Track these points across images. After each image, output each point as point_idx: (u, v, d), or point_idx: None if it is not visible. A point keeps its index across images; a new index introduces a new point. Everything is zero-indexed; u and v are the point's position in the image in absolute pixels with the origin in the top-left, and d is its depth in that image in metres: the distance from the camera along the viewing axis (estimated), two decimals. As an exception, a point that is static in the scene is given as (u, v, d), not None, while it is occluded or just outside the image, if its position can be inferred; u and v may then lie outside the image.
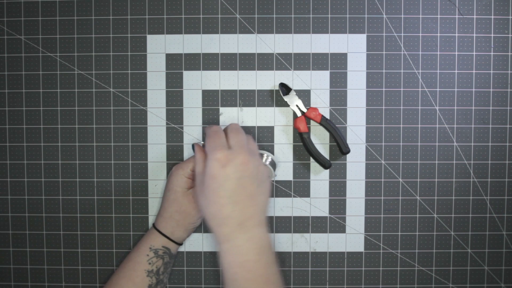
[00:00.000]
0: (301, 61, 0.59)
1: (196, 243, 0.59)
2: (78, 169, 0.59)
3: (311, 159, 0.59)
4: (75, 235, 0.59)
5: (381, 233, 0.59)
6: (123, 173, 0.59)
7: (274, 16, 0.59)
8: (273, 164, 0.56)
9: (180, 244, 0.54)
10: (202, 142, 0.56)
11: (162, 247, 0.52)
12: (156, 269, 0.51)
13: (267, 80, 0.59)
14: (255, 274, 0.45)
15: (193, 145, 0.53)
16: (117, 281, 0.51)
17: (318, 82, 0.59)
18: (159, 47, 0.59)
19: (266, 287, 0.45)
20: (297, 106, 0.57)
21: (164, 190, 0.55)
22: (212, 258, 0.59)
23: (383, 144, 0.59)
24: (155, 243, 0.52)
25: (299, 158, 0.59)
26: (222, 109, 0.59)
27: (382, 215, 0.59)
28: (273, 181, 0.59)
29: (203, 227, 0.59)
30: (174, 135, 0.59)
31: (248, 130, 0.59)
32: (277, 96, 0.59)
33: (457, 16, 0.58)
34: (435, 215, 0.59)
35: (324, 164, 0.57)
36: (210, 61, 0.59)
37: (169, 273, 0.55)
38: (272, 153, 0.59)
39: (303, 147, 0.58)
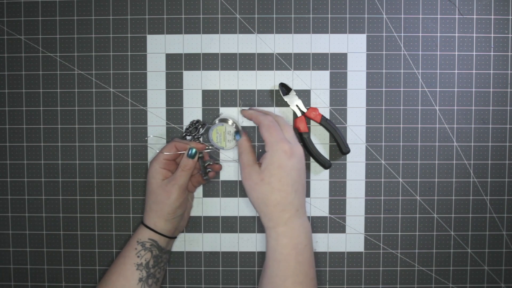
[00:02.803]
0: (301, 61, 0.59)
1: (196, 243, 0.59)
2: (78, 169, 0.59)
3: (311, 159, 0.59)
4: (75, 235, 0.59)
5: (381, 233, 0.59)
6: (123, 173, 0.59)
7: (274, 16, 0.59)
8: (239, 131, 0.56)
9: (167, 237, 0.54)
10: (186, 136, 0.57)
11: (148, 239, 0.53)
12: (145, 262, 0.52)
13: (267, 80, 0.59)
14: (305, 257, 0.49)
15: (192, 149, 0.53)
16: (109, 277, 0.52)
17: (318, 82, 0.59)
18: (159, 47, 0.59)
19: (310, 270, 0.50)
20: (297, 106, 0.57)
21: None
22: (212, 258, 0.59)
23: (383, 144, 0.59)
24: (142, 237, 0.53)
25: (299, 158, 0.59)
26: (222, 109, 0.59)
27: (382, 215, 0.59)
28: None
29: (203, 227, 0.59)
30: (174, 135, 0.59)
31: (248, 130, 0.59)
32: (277, 96, 0.59)
33: (457, 16, 0.58)
34: (435, 215, 0.59)
35: (324, 164, 0.57)
36: (210, 61, 0.59)
37: (163, 269, 0.55)
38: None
39: (303, 147, 0.58)
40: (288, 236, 0.49)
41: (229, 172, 0.59)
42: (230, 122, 0.56)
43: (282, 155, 0.49)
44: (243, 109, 0.56)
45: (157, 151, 0.58)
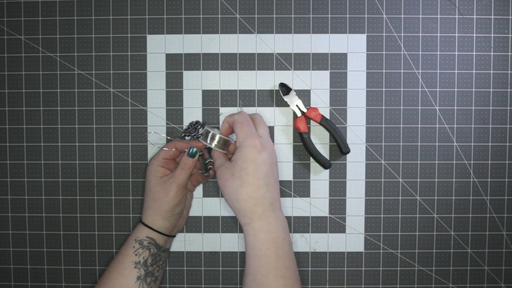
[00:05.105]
0: (301, 61, 0.59)
1: (196, 243, 0.59)
2: (78, 169, 0.59)
3: (311, 159, 0.59)
4: (75, 235, 0.59)
5: (381, 233, 0.59)
6: (123, 173, 0.59)
7: (274, 16, 0.59)
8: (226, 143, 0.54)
9: (165, 235, 0.54)
10: (185, 136, 0.57)
11: (146, 237, 0.53)
12: (143, 260, 0.52)
13: (267, 80, 0.59)
14: (284, 251, 0.49)
15: (192, 149, 0.53)
16: (108, 275, 0.52)
17: (318, 82, 0.59)
18: (159, 47, 0.59)
19: (291, 264, 0.50)
20: (297, 106, 0.58)
21: None
22: (212, 258, 0.59)
23: (383, 144, 0.59)
24: (140, 235, 0.53)
25: (299, 158, 0.59)
26: (222, 109, 0.59)
27: (382, 215, 0.59)
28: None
29: (203, 227, 0.59)
30: (174, 135, 0.59)
31: (248, 130, 0.59)
32: (277, 96, 0.59)
33: (457, 16, 0.58)
34: (435, 215, 0.59)
35: (324, 164, 0.57)
36: (210, 61, 0.59)
37: (162, 268, 0.55)
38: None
39: (303, 147, 0.58)
40: (265, 230, 0.49)
41: (229, 172, 0.59)
42: (217, 138, 0.53)
43: (251, 149, 0.49)
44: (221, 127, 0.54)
45: (158, 147, 0.58)
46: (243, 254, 0.59)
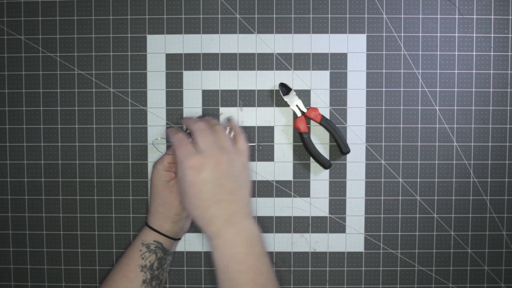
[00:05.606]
0: (301, 61, 0.59)
1: (196, 243, 0.59)
2: (78, 169, 0.59)
3: (311, 159, 0.59)
4: (75, 235, 0.59)
5: (381, 233, 0.59)
6: (123, 173, 0.59)
7: (274, 16, 0.59)
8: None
9: (173, 238, 0.54)
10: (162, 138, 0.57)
11: (153, 241, 0.53)
12: (149, 264, 0.52)
13: (267, 80, 0.59)
14: (246, 265, 0.46)
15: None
16: (113, 277, 0.52)
17: (318, 82, 0.59)
18: (159, 47, 0.59)
19: (257, 278, 0.46)
20: (297, 106, 0.58)
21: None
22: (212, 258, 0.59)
23: (383, 144, 0.59)
24: (147, 238, 0.53)
25: (299, 158, 0.59)
26: (222, 109, 0.59)
27: (382, 215, 0.59)
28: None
29: (203, 227, 0.59)
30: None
31: (248, 130, 0.59)
32: (277, 96, 0.59)
33: (457, 16, 0.58)
34: (435, 215, 0.59)
35: (324, 164, 0.57)
36: (210, 61, 0.59)
37: (167, 271, 0.55)
38: (272, 152, 0.59)
39: (303, 147, 0.58)
40: (221, 248, 0.46)
41: (229, 172, 0.59)
42: (227, 130, 0.54)
43: (189, 172, 0.46)
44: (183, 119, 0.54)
45: (162, 153, 0.58)
46: (243, 254, 0.59)
